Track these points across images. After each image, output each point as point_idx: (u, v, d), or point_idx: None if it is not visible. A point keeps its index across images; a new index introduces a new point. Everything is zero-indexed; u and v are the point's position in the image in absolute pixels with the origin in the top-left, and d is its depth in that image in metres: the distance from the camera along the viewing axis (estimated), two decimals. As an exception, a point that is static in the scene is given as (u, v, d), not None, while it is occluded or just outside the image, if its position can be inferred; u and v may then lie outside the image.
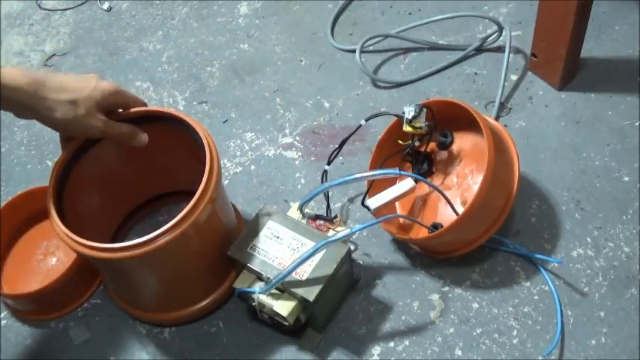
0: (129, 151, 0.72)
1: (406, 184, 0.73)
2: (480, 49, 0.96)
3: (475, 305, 0.72)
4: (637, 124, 0.85)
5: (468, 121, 0.72)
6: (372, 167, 0.78)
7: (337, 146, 0.80)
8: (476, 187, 0.67)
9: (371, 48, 1.00)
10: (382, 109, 0.92)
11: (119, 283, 0.76)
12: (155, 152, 0.74)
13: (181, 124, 0.71)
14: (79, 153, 0.71)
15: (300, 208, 0.73)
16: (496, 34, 0.94)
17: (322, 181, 0.81)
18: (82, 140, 0.71)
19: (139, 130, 0.69)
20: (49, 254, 0.82)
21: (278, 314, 0.66)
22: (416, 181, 0.73)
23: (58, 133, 0.70)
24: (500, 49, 0.96)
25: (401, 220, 0.77)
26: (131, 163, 0.77)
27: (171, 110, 0.72)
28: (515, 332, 0.70)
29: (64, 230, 0.65)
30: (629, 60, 0.92)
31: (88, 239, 0.64)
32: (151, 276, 0.71)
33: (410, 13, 1.04)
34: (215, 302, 0.75)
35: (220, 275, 0.75)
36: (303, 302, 0.67)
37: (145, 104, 0.72)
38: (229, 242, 0.71)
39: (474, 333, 0.70)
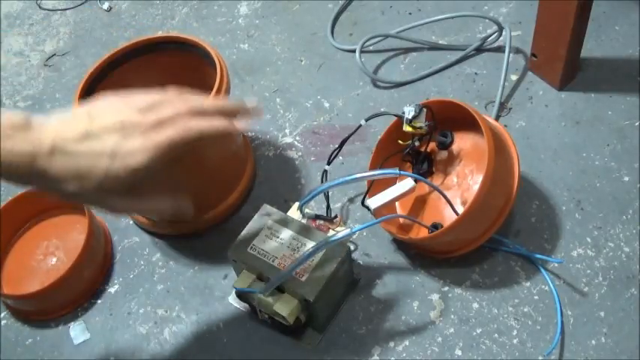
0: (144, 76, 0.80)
1: (406, 184, 0.73)
2: (479, 49, 0.96)
3: (475, 305, 0.72)
4: (637, 124, 0.85)
5: (468, 121, 0.72)
6: (372, 167, 0.78)
7: (337, 146, 0.80)
8: (476, 187, 0.67)
9: (371, 48, 1.00)
10: (382, 109, 0.92)
11: None
12: (169, 81, 0.82)
13: (190, 47, 0.78)
14: (101, 75, 0.79)
15: (300, 208, 0.73)
16: (496, 34, 0.94)
17: (322, 181, 0.81)
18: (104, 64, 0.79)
19: None
20: (49, 254, 0.82)
21: (278, 314, 0.66)
22: (416, 181, 0.73)
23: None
24: (500, 49, 0.96)
25: (401, 220, 0.77)
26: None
27: (181, 34, 0.80)
28: (515, 332, 0.70)
29: None
30: (629, 60, 0.92)
31: None
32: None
33: (410, 13, 1.04)
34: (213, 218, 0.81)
35: (223, 190, 0.81)
36: (303, 302, 0.67)
37: None
38: (235, 158, 0.81)
39: (474, 333, 0.70)
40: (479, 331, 0.70)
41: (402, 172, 0.69)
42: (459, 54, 0.96)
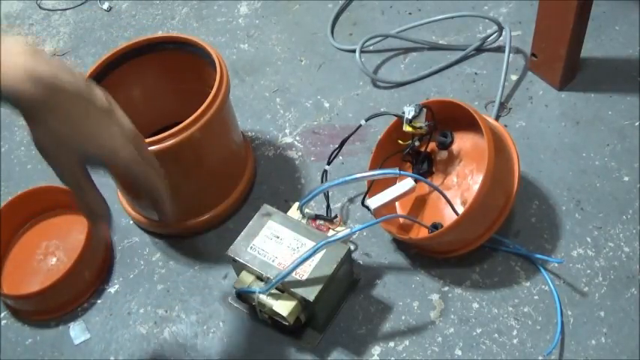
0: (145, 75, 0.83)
1: (406, 184, 0.73)
2: (479, 49, 0.96)
3: (475, 305, 0.72)
4: (637, 124, 0.85)
5: (468, 121, 0.72)
6: (372, 167, 0.78)
7: (337, 146, 0.80)
8: (476, 187, 0.67)
9: (371, 48, 1.00)
10: (382, 109, 0.92)
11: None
12: (168, 80, 0.84)
13: (190, 47, 0.78)
14: (101, 75, 0.78)
15: (300, 208, 0.73)
16: (496, 34, 0.94)
17: (322, 181, 0.81)
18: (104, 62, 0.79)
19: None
20: (49, 254, 0.82)
21: (278, 314, 0.66)
22: (416, 181, 0.73)
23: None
24: (500, 49, 0.96)
25: (401, 220, 0.77)
26: (147, 88, 0.85)
27: (181, 34, 0.80)
28: (515, 332, 0.70)
29: None
30: (629, 60, 0.92)
31: None
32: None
33: (410, 13, 1.04)
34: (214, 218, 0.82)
35: (223, 190, 0.81)
36: (303, 302, 0.67)
37: None
38: (235, 159, 0.82)
39: (474, 333, 0.70)
40: (479, 331, 0.70)
41: (402, 172, 0.69)
42: (459, 54, 0.96)
